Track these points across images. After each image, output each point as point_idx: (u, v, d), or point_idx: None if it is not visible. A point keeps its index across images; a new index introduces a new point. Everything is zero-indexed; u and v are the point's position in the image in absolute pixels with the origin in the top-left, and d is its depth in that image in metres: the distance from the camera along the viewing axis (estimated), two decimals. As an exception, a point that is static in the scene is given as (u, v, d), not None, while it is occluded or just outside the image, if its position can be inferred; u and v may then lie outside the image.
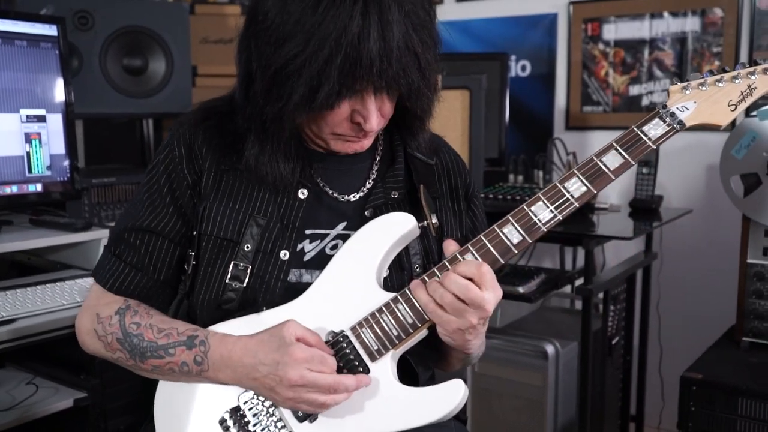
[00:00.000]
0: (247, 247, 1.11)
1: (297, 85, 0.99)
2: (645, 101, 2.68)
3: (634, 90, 2.71)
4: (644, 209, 2.26)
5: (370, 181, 1.19)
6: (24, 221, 2.00)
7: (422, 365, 1.17)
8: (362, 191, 1.18)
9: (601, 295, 2.08)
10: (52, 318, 1.54)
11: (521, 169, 2.43)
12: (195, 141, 1.14)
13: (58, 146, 1.99)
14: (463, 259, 1.06)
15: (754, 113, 1.91)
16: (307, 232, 1.14)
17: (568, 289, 2.70)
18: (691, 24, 2.58)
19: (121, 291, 1.14)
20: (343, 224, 1.15)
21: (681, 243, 2.55)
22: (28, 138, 1.93)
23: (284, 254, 1.12)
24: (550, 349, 2.03)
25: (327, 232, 1.15)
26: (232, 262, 1.11)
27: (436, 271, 1.06)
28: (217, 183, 1.14)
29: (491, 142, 2.40)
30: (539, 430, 2.07)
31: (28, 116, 1.92)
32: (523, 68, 2.93)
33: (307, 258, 1.13)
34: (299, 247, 1.13)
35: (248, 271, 1.10)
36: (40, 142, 1.95)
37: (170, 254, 1.16)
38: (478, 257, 1.06)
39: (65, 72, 1.99)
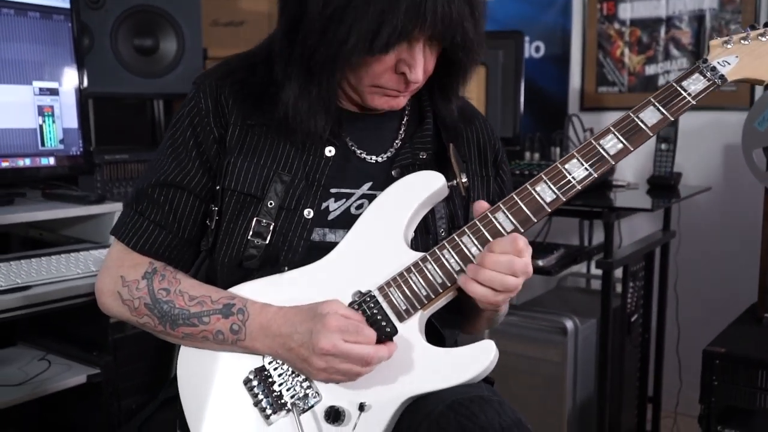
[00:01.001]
0: (271, 204, 1.09)
1: (358, 25, 0.96)
2: (661, 81, 2.65)
3: (651, 70, 2.68)
4: (663, 186, 2.23)
5: (398, 141, 1.17)
6: (37, 195, 1.98)
7: (448, 329, 1.15)
8: (390, 152, 1.16)
9: (619, 275, 2.05)
10: (67, 286, 1.52)
11: (537, 146, 2.40)
12: (221, 94, 1.12)
13: (71, 120, 1.97)
14: (494, 218, 1.04)
15: (778, 84, 1.88)
16: (332, 190, 1.12)
17: (584, 269, 2.67)
18: (708, 1, 2.54)
19: (144, 250, 1.11)
20: (369, 184, 1.13)
21: (699, 222, 2.52)
22: (41, 111, 1.91)
23: (308, 212, 1.10)
24: (569, 324, 2.01)
25: (352, 191, 1.13)
26: (255, 219, 1.08)
27: (466, 230, 1.04)
28: (242, 138, 1.11)
29: (506, 121, 2.38)
30: (558, 407, 2.04)
31: (41, 89, 1.90)
32: (537, 49, 2.89)
33: (331, 217, 1.11)
34: (324, 205, 1.11)
35: (271, 228, 1.08)
36: (53, 116, 1.93)
37: (195, 210, 1.13)
38: (509, 215, 1.04)
39: (78, 45, 1.97)
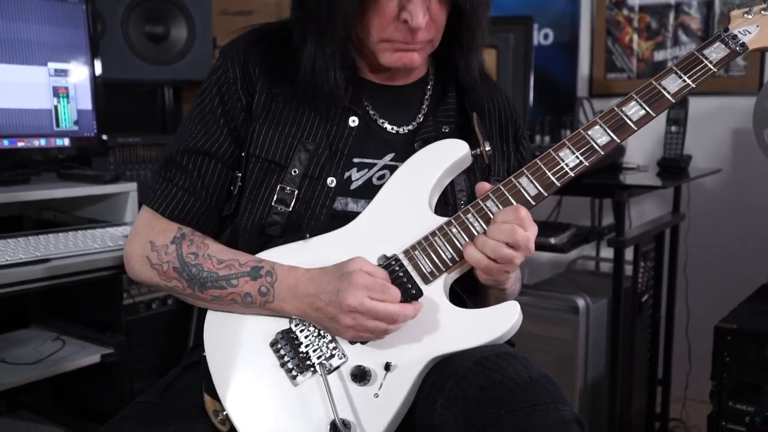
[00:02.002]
0: (295, 172, 1.10)
1: None
2: (670, 66, 2.66)
3: (659, 56, 2.69)
4: (673, 168, 2.24)
5: (421, 115, 1.18)
6: (52, 177, 1.99)
7: (471, 297, 1.16)
8: (413, 124, 1.17)
9: (629, 258, 2.06)
10: (86, 260, 1.53)
11: (548, 130, 2.41)
12: (248, 61, 1.13)
13: (85, 102, 1.98)
14: (518, 182, 1.06)
15: (789, 63, 1.89)
16: (355, 160, 1.13)
17: (594, 252, 2.69)
18: (718, -14, 2.55)
19: (173, 216, 1.13)
20: (392, 155, 1.15)
21: (709, 206, 2.54)
22: (55, 92, 1.92)
23: (331, 181, 1.11)
24: (581, 302, 2.02)
25: (375, 161, 1.14)
26: (279, 186, 1.10)
27: (490, 194, 1.06)
28: (268, 106, 1.13)
29: (516, 106, 2.38)
30: (569, 386, 2.05)
31: (56, 70, 1.91)
32: (546, 36, 2.90)
33: (353, 186, 1.13)
34: (346, 175, 1.13)
35: (294, 196, 1.10)
36: (67, 97, 1.95)
37: (222, 177, 1.14)
38: (533, 180, 1.06)
39: (92, 28, 1.98)
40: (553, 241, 1.89)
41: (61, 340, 1.92)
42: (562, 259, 2.76)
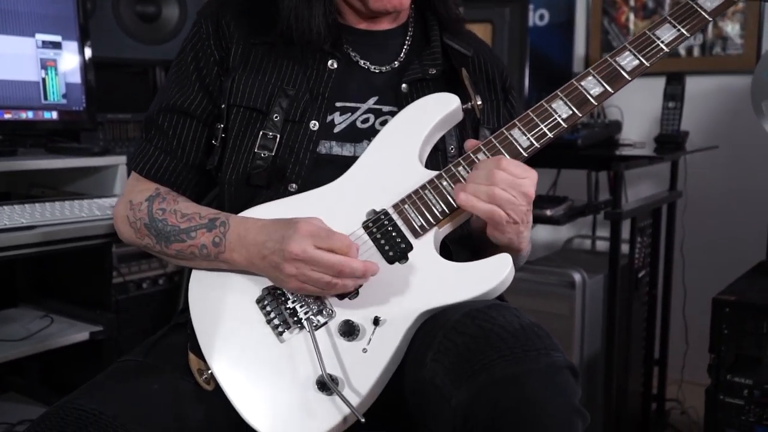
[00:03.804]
0: (276, 117, 1.09)
1: None
2: (666, 45, 2.63)
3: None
4: (670, 144, 2.22)
5: (402, 56, 1.17)
6: (40, 151, 1.97)
7: (462, 251, 1.13)
8: (395, 63, 1.16)
9: (625, 236, 2.04)
10: (74, 227, 1.50)
11: (543, 106, 2.38)
12: (223, 17, 1.14)
13: (74, 76, 1.95)
14: (510, 134, 1.04)
15: (788, 33, 1.87)
16: (338, 104, 1.13)
17: (590, 231, 2.67)
18: (714, -37, 2.53)
19: (151, 175, 1.14)
20: (375, 98, 1.14)
21: (705, 183, 2.52)
22: (43, 64, 1.89)
23: (313, 125, 1.10)
24: (577, 277, 2.00)
25: (358, 105, 1.13)
26: (261, 132, 1.09)
27: (482, 146, 1.04)
28: (246, 56, 1.13)
29: (500, 58, 2.36)
30: (565, 363, 2.03)
31: (43, 42, 1.88)
32: (541, 17, 2.87)
33: (337, 130, 1.12)
34: (329, 118, 1.12)
35: (277, 141, 1.08)
36: (56, 70, 1.92)
37: (198, 135, 1.15)
38: (525, 131, 1.04)
39: (82, 1, 1.95)
40: (549, 213, 1.87)
41: (50, 318, 1.89)
42: (559, 238, 2.74)
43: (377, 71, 1.15)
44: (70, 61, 1.93)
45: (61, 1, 1.91)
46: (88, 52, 1.96)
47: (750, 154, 2.42)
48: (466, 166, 1.03)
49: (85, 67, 1.96)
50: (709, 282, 2.19)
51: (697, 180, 2.51)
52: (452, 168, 1.04)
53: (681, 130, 2.24)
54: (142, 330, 2.10)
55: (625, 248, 2.05)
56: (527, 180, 0.99)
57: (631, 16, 2.70)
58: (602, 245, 2.54)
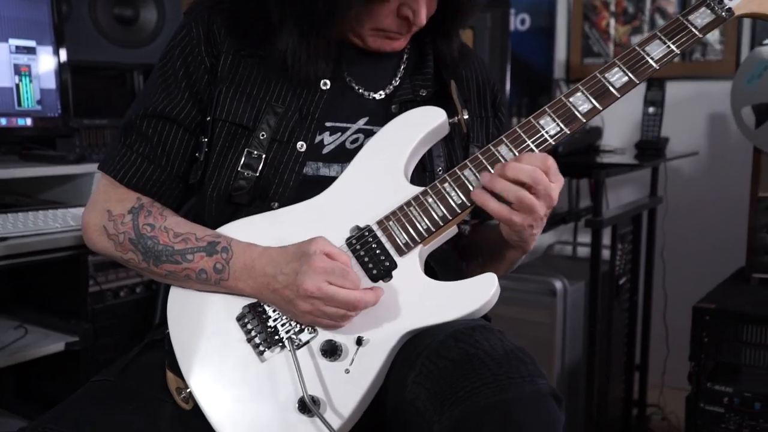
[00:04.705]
0: (262, 135, 1.06)
1: None
2: (647, 51, 2.64)
3: (636, 40, 2.67)
4: (650, 150, 2.23)
5: (397, 79, 1.14)
6: (13, 159, 1.92)
7: (446, 270, 1.12)
8: (388, 89, 1.13)
9: (606, 243, 2.05)
10: (46, 239, 1.46)
11: (525, 112, 2.38)
12: (214, 22, 1.09)
13: (49, 81, 1.91)
14: (497, 150, 1.02)
15: (766, 41, 1.88)
16: (327, 124, 1.09)
17: (571, 238, 2.67)
18: (694, -30, 2.54)
19: (132, 184, 1.08)
20: (365, 119, 1.11)
21: (686, 189, 2.53)
22: (17, 70, 1.85)
23: (301, 145, 1.07)
24: (558, 285, 1.99)
25: (348, 125, 1.10)
26: (246, 150, 1.05)
27: (468, 163, 1.02)
28: (234, 67, 1.08)
29: (492, 74, 2.36)
30: (546, 370, 2.01)
31: (17, 47, 1.84)
32: (522, 22, 2.88)
33: (325, 151, 1.08)
34: (318, 139, 1.08)
35: (262, 160, 1.05)
36: (29, 76, 1.88)
37: (184, 144, 1.09)
38: (512, 148, 1.02)
39: (57, 4, 1.91)
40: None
41: (24, 328, 1.85)
42: (540, 244, 2.74)
43: (371, 98, 1.12)
44: (44, 66, 1.89)
45: (36, 5, 1.87)
46: (63, 57, 1.93)
47: (730, 160, 2.43)
48: (452, 183, 1.02)
49: (61, 72, 1.93)
50: (690, 288, 2.21)
51: (678, 186, 2.52)
52: (438, 185, 1.02)
53: (661, 136, 2.25)
54: (119, 339, 2.06)
55: (606, 254, 2.06)
56: (557, 185, 0.98)
57: (612, 22, 2.71)
58: (583, 251, 2.54)
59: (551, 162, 0.98)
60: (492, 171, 1.01)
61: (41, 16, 1.88)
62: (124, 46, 2.26)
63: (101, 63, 2.28)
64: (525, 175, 0.95)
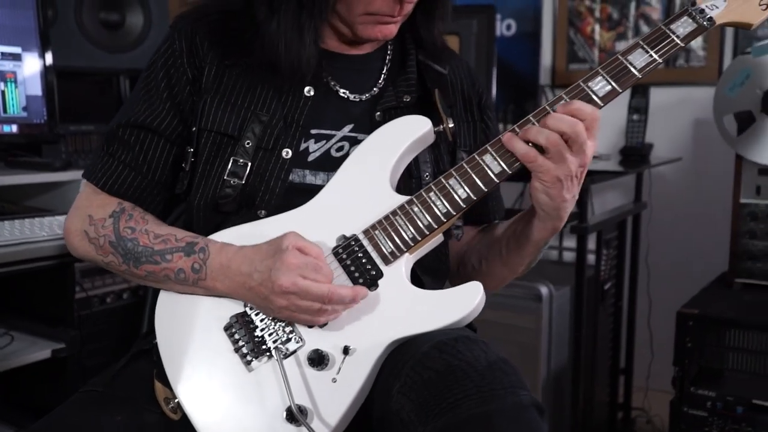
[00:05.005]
0: (248, 144, 1.06)
1: None
2: (631, 57, 2.66)
3: (621, 46, 2.69)
4: (635, 156, 2.25)
5: (381, 82, 1.15)
6: (-1, 165, 1.92)
7: (432, 279, 1.13)
8: (372, 92, 1.14)
9: (591, 247, 2.06)
10: (31, 248, 1.46)
11: (511, 118, 2.40)
12: (197, 34, 1.10)
13: (35, 88, 1.91)
14: (481, 160, 1.03)
15: (748, 50, 1.90)
16: (313, 131, 1.10)
17: (556, 242, 2.69)
18: (677, -23, 2.57)
19: (114, 191, 1.10)
20: (350, 126, 1.11)
21: (670, 194, 2.55)
22: (2, 76, 1.84)
23: (286, 153, 1.07)
24: (544, 290, 2.01)
25: (333, 132, 1.11)
26: (232, 158, 1.06)
27: (453, 172, 1.03)
28: (219, 77, 1.09)
29: (478, 76, 2.37)
30: (532, 375, 2.04)
31: (2, 53, 1.84)
32: (508, 27, 2.89)
33: (311, 158, 1.09)
34: (303, 146, 1.09)
35: (248, 168, 1.06)
36: (15, 82, 1.87)
37: (166, 154, 1.11)
38: (497, 157, 1.02)
39: (42, 11, 1.91)
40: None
41: (10, 336, 1.84)
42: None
43: (356, 100, 1.13)
44: (30, 72, 1.89)
45: (21, 11, 1.86)
46: (49, 63, 1.92)
47: (712, 166, 2.46)
48: (437, 192, 1.02)
49: (46, 79, 1.92)
50: (674, 292, 2.23)
51: (662, 191, 2.55)
52: (423, 194, 1.03)
53: (645, 142, 2.27)
54: (106, 346, 2.06)
55: (591, 259, 2.08)
56: (592, 144, 0.98)
57: (597, 27, 2.73)
58: (569, 256, 2.56)
59: (598, 116, 0.97)
60: (477, 179, 1.02)
61: (27, 22, 1.87)
62: (111, 51, 2.26)
63: (87, 68, 2.28)
64: (566, 125, 0.95)
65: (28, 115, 1.89)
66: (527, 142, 0.99)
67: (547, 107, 1.04)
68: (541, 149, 0.98)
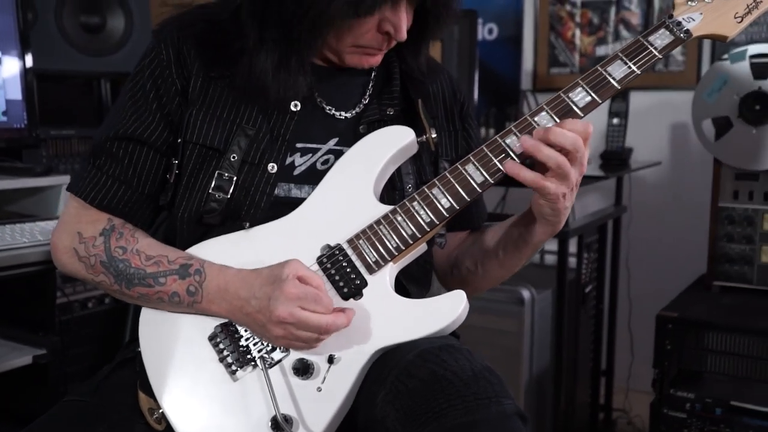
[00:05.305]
0: (234, 158, 1.06)
1: None
2: (611, 62, 2.69)
3: (601, 51, 2.72)
4: (615, 160, 2.28)
5: (366, 98, 1.15)
6: (-22, 170, 1.90)
7: (416, 287, 1.14)
8: (358, 107, 1.14)
9: (573, 250, 2.08)
10: (13, 254, 1.45)
11: (492, 122, 2.42)
12: (184, 44, 1.08)
13: (15, 92, 1.89)
14: (464, 170, 1.04)
15: (725, 56, 1.93)
16: (298, 145, 1.10)
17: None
18: (657, -18, 2.60)
19: (103, 206, 1.08)
20: (336, 140, 1.12)
21: (649, 198, 2.58)
22: (-19, 81, 1.83)
23: (272, 167, 1.07)
24: (526, 294, 2.03)
25: (319, 146, 1.11)
26: (217, 172, 1.05)
27: (436, 182, 1.03)
28: (204, 90, 1.08)
29: (460, 85, 2.38)
30: (515, 379, 2.06)
31: (-19, 57, 1.82)
32: (490, 31, 2.91)
33: (297, 172, 1.09)
34: (289, 160, 1.09)
35: (233, 182, 1.05)
36: (-6, 86, 1.85)
37: (156, 166, 1.09)
38: (479, 167, 1.03)
39: (22, 14, 1.89)
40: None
41: (-10, 342, 1.83)
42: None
43: (341, 117, 1.13)
44: (9, 75, 1.87)
45: (0, 13, 1.85)
46: (29, 66, 1.90)
47: (691, 170, 2.49)
48: (420, 201, 1.03)
49: (27, 83, 1.90)
50: (653, 294, 2.26)
51: (641, 195, 2.57)
52: (407, 203, 1.03)
53: (625, 147, 2.30)
54: (88, 351, 2.04)
55: (572, 262, 2.09)
56: (587, 153, 1.01)
57: (577, 32, 2.75)
58: (550, 259, 2.58)
59: (591, 130, 1.00)
60: (460, 189, 1.03)
61: (6, 25, 1.85)
62: (91, 55, 2.24)
63: (68, 72, 2.26)
64: (569, 142, 0.97)
65: (8, 119, 1.87)
66: (532, 162, 1.01)
67: (528, 117, 1.05)
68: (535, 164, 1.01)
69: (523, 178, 1.00)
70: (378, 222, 1.03)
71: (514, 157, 1.04)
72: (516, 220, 1.14)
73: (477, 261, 1.20)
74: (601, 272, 2.34)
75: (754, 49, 1.89)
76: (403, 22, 1.03)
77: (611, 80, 1.06)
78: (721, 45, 2.43)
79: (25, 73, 1.90)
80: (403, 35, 1.04)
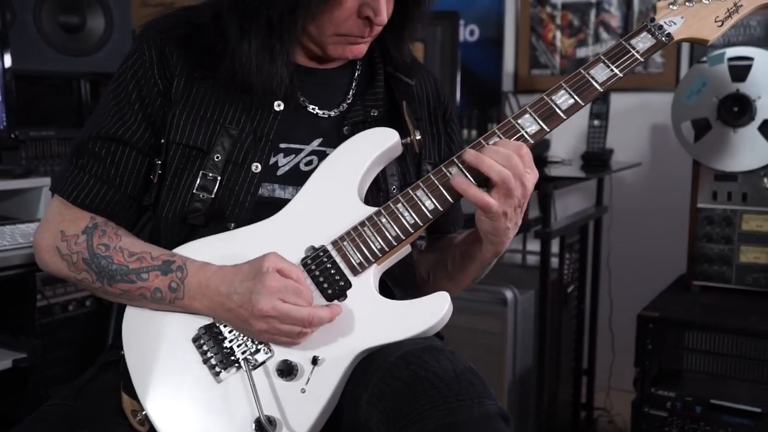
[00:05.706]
0: (217, 158, 1.06)
1: None
2: (592, 63, 2.72)
3: (581, 52, 2.74)
4: (596, 161, 2.30)
5: (350, 97, 1.15)
6: (-43, 172, 1.87)
7: (400, 289, 1.14)
8: (342, 107, 1.14)
9: (555, 251, 2.10)
10: (-7, 257, 1.43)
11: (475, 123, 2.43)
12: (166, 45, 1.09)
13: (-7, 93, 1.87)
14: (448, 171, 1.05)
15: (704, 59, 1.95)
16: (282, 145, 1.10)
17: (520, 246, 2.72)
18: (637, -16, 2.63)
19: (85, 205, 1.08)
20: (319, 140, 1.12)
21: (630, 198, 2.61)
22: (-42, 82, 1.81)
23: (256, 167, 1.07)
24: (509, 294, 2.04)
25: (302, 147, 1.11)
26: (201, 172, 1.06)
27: (420, 183, 1.04)
28: (188, 90, 1.09)
29: (443, 88, 2.39)
30: (498, 379, 2.07)
31: (-42, 58, 1.80)
32: (472, 33, 2.92)
33: (280, 172, 1.09)
34: (272, 160, 1.09)
35: (217, 182, 1.05)
36: (-28, 87, 1.83)
37: (138, 166, 1.09)
38: (463, 169, 1.04)
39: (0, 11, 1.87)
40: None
41: (-32, 345, 1.81)
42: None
43: (325, 116, 1.13)
44: (-12, 77, 1.85)
45: (-23, 15, 1.83)
46: (8, 67, 1.88)
47: (671, 171, 2.51)
48: (405, 203, 1.04)
49: (5, 84, 1.88)
50: (634, 294, 2.28)
51: (622, 195, 2.60)
52: (391, 205, 1.04)
53: (606, 148, 2.32)
54: (69, 354, 2.03)
55: (554, 262, 2.11)
56: (531, 176, 1.01)
57: (558, 34, 2.77)
58: (533, 259, 2.60)
59: (525, 150, 1.01)
60: (444, 191, 1.03)
61: (-17, 27, 1.84)
62: (71, 55, 2.22)
63: (47, 72, 2.24)
64: (501, 157, 0.98)
65: (-13, 121, 1.85)
66: (478, 174, 1.01)
67: (511, 120, 1.06)
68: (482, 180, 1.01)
69: (469, 194, 1.00)
70: (362, 224, 1.04)
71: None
72: (466, 236, 1.16)
73: (429, 270, 1.22)
74: (582, 272, 2.36)
75: (732, 51, 1.92)
76: (382, 4, 1.02)
77: (594, 83, 1.07)
78: (699, 48, 2.46)
79: (4, 73, 1.88)
80: (384, 18, 1.03)
